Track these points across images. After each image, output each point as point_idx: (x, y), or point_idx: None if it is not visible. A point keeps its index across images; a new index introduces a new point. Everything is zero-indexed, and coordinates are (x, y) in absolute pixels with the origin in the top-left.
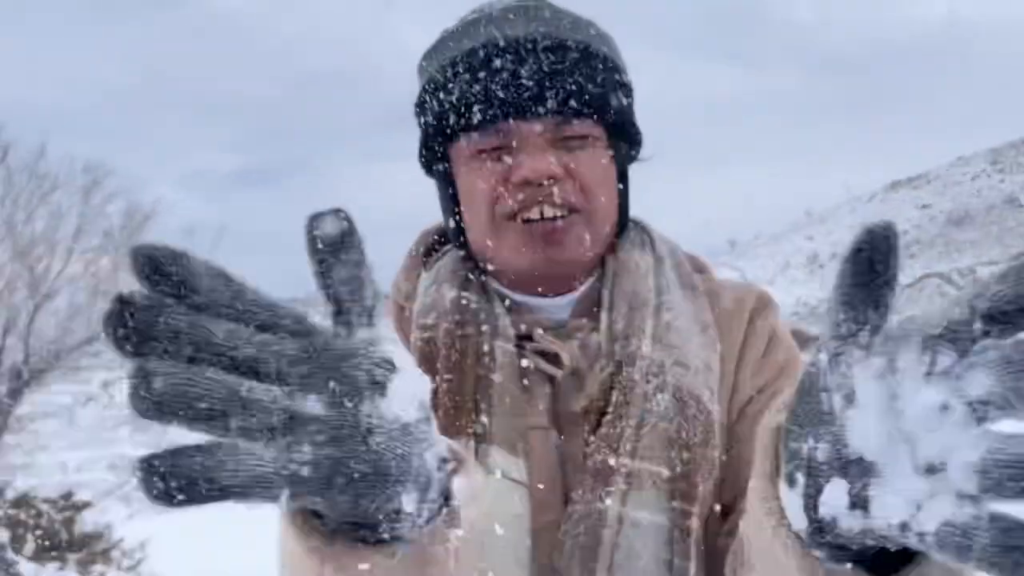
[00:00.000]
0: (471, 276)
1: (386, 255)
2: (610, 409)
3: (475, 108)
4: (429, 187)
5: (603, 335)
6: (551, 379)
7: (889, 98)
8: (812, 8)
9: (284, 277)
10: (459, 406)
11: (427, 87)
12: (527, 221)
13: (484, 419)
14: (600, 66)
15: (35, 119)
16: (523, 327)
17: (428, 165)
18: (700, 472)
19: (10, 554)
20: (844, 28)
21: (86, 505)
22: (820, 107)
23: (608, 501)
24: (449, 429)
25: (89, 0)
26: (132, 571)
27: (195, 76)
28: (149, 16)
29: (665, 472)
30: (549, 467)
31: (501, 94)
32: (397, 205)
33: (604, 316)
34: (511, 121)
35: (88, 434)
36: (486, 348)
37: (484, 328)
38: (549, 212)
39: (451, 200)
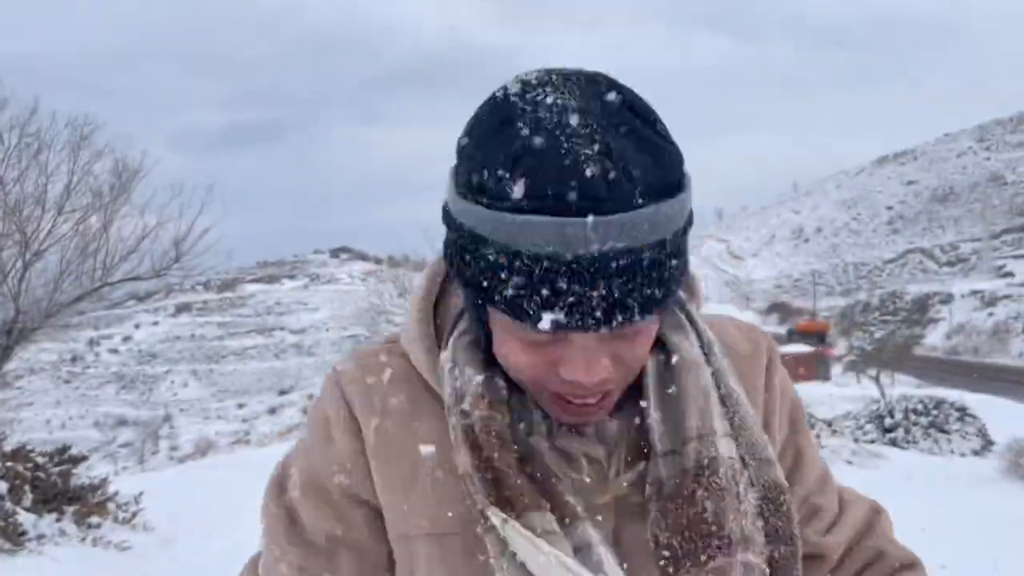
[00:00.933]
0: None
1: (373, 218)
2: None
3: (531, 318)
4: (422, 156)
5: (656, 432)
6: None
7: (880, 73)
8: None
9: (274, 238)
10: (515, 491)
11: (474, 249)
12: (568, 400)
13: (568, 498)
14: (670, 255)
15: (25, 76)
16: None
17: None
18: (797, 556)
19: (9, 505)
20: (840, 1)
21: (83, 459)
22: (811, 81)
23: None
24: (519, 505)
25: None
26: (129, 523)
27: (189, 35)
28: None
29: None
30: (639, 555)
31: (563, 319)
32: (387, 169)
33: (653, 414)
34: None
35: (74, 392)
36: (522, 440)
37: (520, 423)
38: (591, 400)
39: (487, 339)
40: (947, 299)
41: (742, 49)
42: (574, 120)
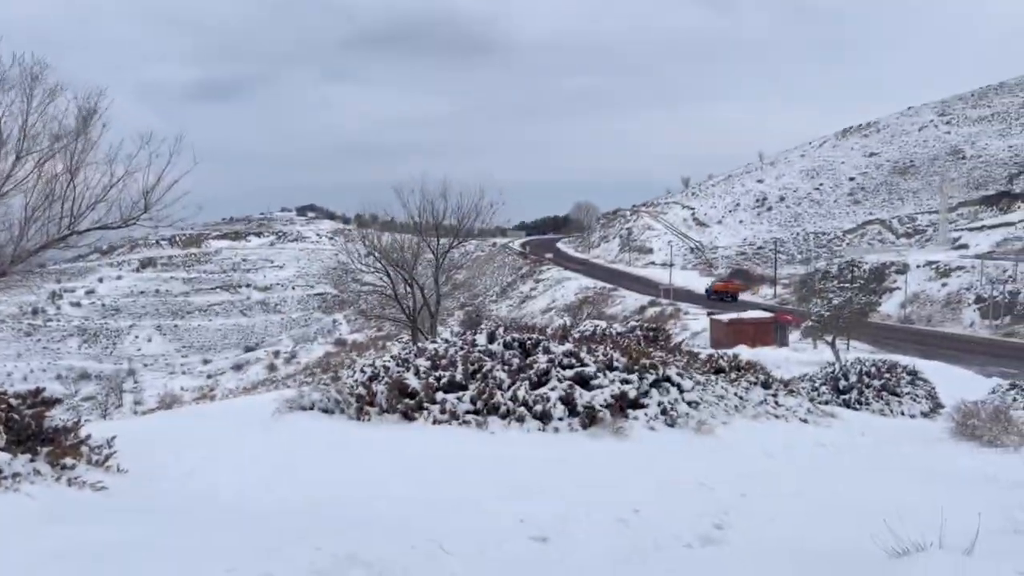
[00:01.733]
0: None
1: (343, 177)
2: None
3: None
4: (391, 111)
5: None
6: None
7: (851, 47)
8: None
9: (242, 195)
10: None
11: None
12: None
13: None
14: None
15: None
16: None
17: None
18: None
19: None
20: None
21: (56, 401)
22: (783, 53)
23: None
24: None
25: None
26: (102, 466)
27: None
28: None
29: None
30: None
31: None
32: (357, 129)
33: None
34: None
35: (35, 345)
36: None
37: None
38: None
39: None
40: (903, 269)
41: (717, 20)
42: None
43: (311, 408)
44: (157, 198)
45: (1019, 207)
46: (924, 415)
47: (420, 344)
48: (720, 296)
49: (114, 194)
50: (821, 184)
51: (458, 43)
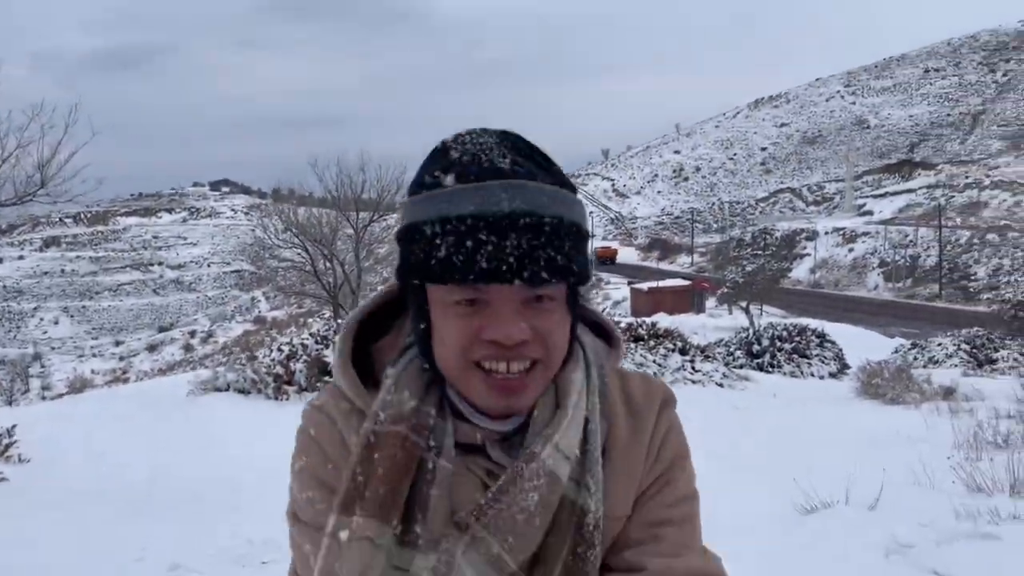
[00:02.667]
0: (431, 386)
1: (257, 150)
2: (492, 491)
3: (460, 271)
4: (305, 81)
5: (526, 442)
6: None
7: (762, 19)
8: None
9: (151, 168)
10: (390, 503)
11: (415, 231)
12: (491, 371)
13: (418, 528)
14: (569, 237)
15: None
16: (477, 436)
17: (403, 285)
18: (544, 562)
19: None
20: None
21: None
22: (698, 25)
23: (457, 550)
24: (376, 516)
25: None
26: (2, 456)
27: None
28: None
29: (495, 548)
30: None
31: (484, 265)
32: (265, 95)
33: (530, 430)
34: (489, 285)
35: None
36: (430, 465)
37: (432, 443)
38: (515, 368)
39: (425, 327)
40: (812, 236)
41: None
42: (491, 144)
43: (227, 389)
44: (54, 172)
45: (919, 175)
46: (832, 376)
47: (341, 320)
48: (601, 261)
49: (6, 170)
50: (735, 154)
51: (376, 10)
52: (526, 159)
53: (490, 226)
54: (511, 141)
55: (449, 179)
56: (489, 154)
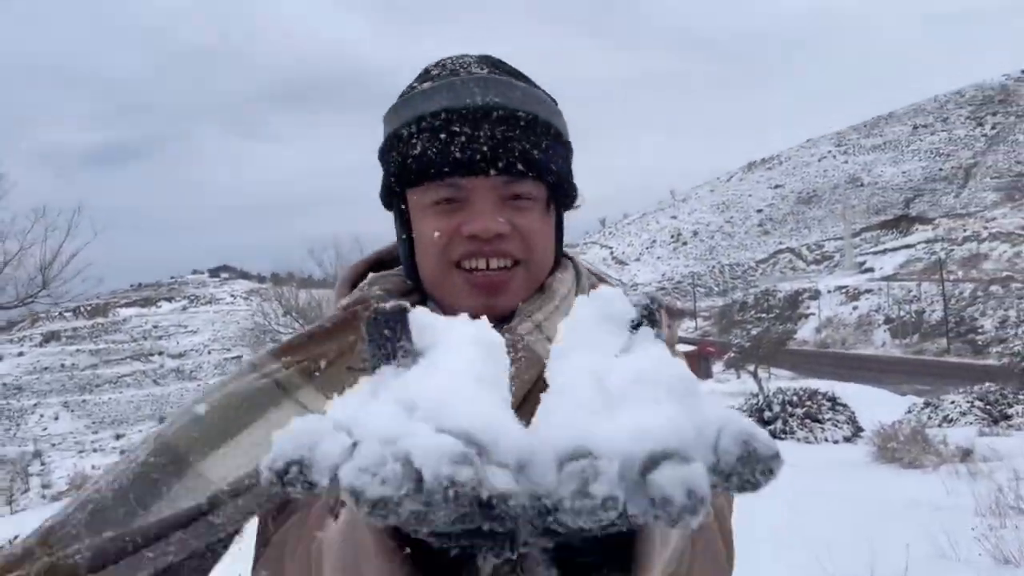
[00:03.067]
0: (411, 294)
1: (254, 236)
2: None
3: (435, 164)
4: (304, 173)
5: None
6: None
7: (750, 83)
8: None
9: (150, 259)
10: (315, 355)
11: (393, 138)
12: (472, 270)
13: (322, 364)
14: (544, 133)
15: None
16: None
17: (387, 204)
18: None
19: None
20: (715, 13)
21: None
22: (687, 90)
23: None
24: (322, 391)
25: None
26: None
27: (56, 51)
28: None
29: None
30: None
31: (458, 155)
32: (267, 187)
33: (515, 314)
34: (466, 178)
35: None
36: None
37: None
38: (494, 264)
39: (407, 239)
40: (815, 295)
41: (628, 60)
42: (469, 60)
43: None
44: (56, 273)
45: (917, 229)
46: (847, 439)
47: None
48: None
49: (8, 272)
50: (731, 217)
51: (365, 94)
52: (505, 72)
53: (463, 118)
54: (491, 58)
55: (425, 84)
56: (466, 65)
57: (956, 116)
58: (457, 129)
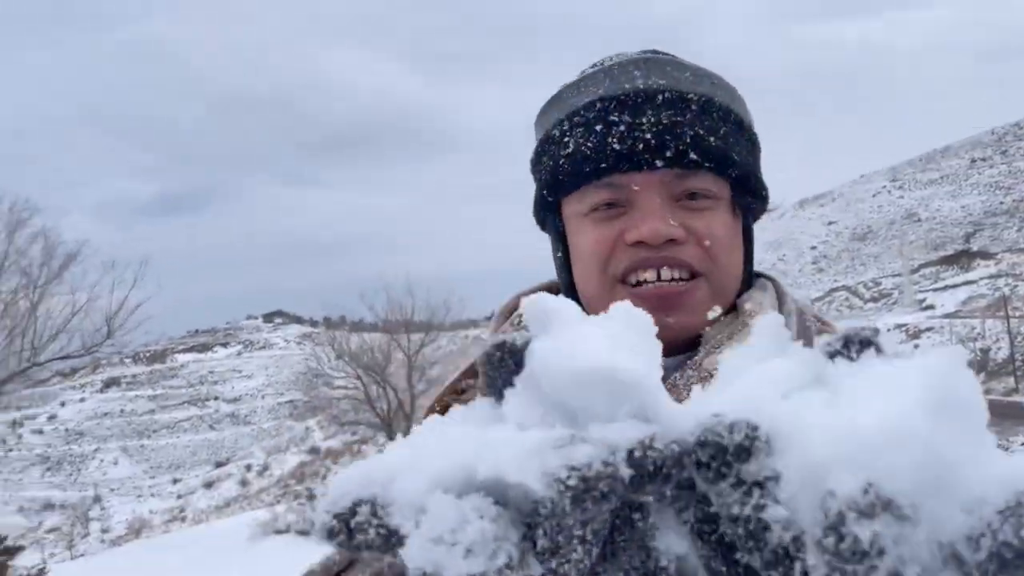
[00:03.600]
0: None
1: (308, 281)
2: None
3: (591, 160)
4: (346, 211)
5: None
6: None
7: (798, 119)
8: (729, 33)
9: (205, 305)
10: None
11: (544, 142)
12: (639, 284)
13: None
14: (722, 119)
15: None
16: None
17: (542, 220)
18: None
19: None
20: (765, 51)
21: (19, 549)
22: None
23: None
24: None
25: (4, 26)
26: None
27: (113, 101)
28: (70, 43)
29: None
30: None
31: (616, 146)
32: (314, 225)
33: (701, 344)
34: (628, 174)
35: None
36: None
37: None
38: (667, 275)
39: (564, 258)
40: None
41: None
42: (628, 54)
43: (286, 531)
44: (120, 324)
45: (978, 264)
46: None
47: None
48: None
49: (76, 322)
50: (784, 255)
51: (414, 139)
52: (669, 56)
53: (622, 105)
54: (655, 49)
55: (578, 78)
56: (623, 56)
57: (1016, 148)
58: (616, 118)
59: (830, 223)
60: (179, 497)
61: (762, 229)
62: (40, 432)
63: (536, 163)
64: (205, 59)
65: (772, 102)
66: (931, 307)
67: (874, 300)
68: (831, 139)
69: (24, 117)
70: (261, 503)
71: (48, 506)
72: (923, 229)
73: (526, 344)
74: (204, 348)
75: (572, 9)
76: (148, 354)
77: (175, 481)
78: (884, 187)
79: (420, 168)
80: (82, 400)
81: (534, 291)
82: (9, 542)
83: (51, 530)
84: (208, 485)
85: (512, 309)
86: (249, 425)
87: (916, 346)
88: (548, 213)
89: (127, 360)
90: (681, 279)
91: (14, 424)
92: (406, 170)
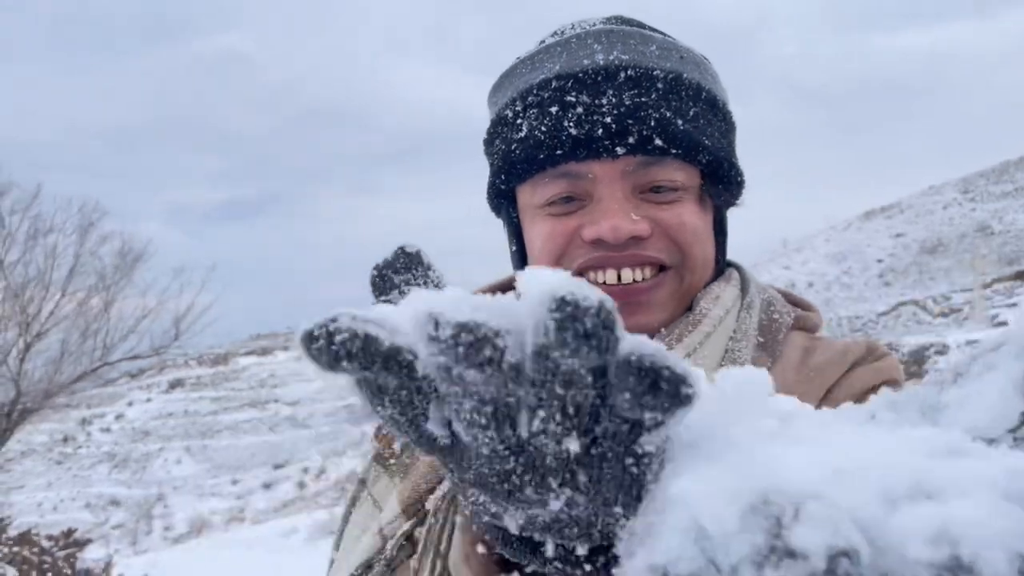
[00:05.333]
0: None
1: (362, 287)
2: None
3: (543, 146)
4: (407, 218)
5: None
6: None
7: (865, 129)
8: (797, 42)
9: (267, 310)
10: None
11: (497, 123)
12: (601, 284)
13: (396, 447)
14: (691, 99)
15: (30, 158)
16: None
17: (496, 207)
18: None
19: None
20: (828, 61)
21: (87, 542)
22: (799, 138)
23: None
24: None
25: (88, 40)
26: None
27: (188, 112)
28: (150, 55)
29: None
30: None
31: (573, 130)
32: (375, 233)
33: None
34: (585, 162)
35: (65, 473)
36: None
37: None
38: (628, 276)
39: (518, 253)
40: (943, 350)
41: (737, 110)
42: (594, 20)
43: None
44: (188, 326)
45: None
46: None
47: None
48: None
49: (146, 324)
50: (849, 267)
51: (477, 146)
52: (634, 27)
53: (579, 83)
54: (623, 16)
55: (534, 50)
56: (585, 25)
57: None
58: (573, 99)
59: (898, 235)
60: (238, 498)
61: (825, 240)
62: (108, 431)
63: (489, 145)
64: (279, 71)
65: (836, 115)
66: (1004, 323)
67: (943, 315)
68: (898, 149)
69: (102, 125)
70: (318, 505)
71: (114, 502)
72: (996, 243)
73: (416, 251)
74: (265, 352)
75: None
76: (212, 356)
77: (235, 482)
78: (955, 199)
79: (481, 175)
80: (148, 400)
81: (495, 286)
82: (77, 535)
83: (116, 526)
84: (267, 486)
85: None
86: (307, 428)
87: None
88: (503, 200)
89: (192, 362)
90: (646, 279)
91: (83, 422)
92: (469, 177)
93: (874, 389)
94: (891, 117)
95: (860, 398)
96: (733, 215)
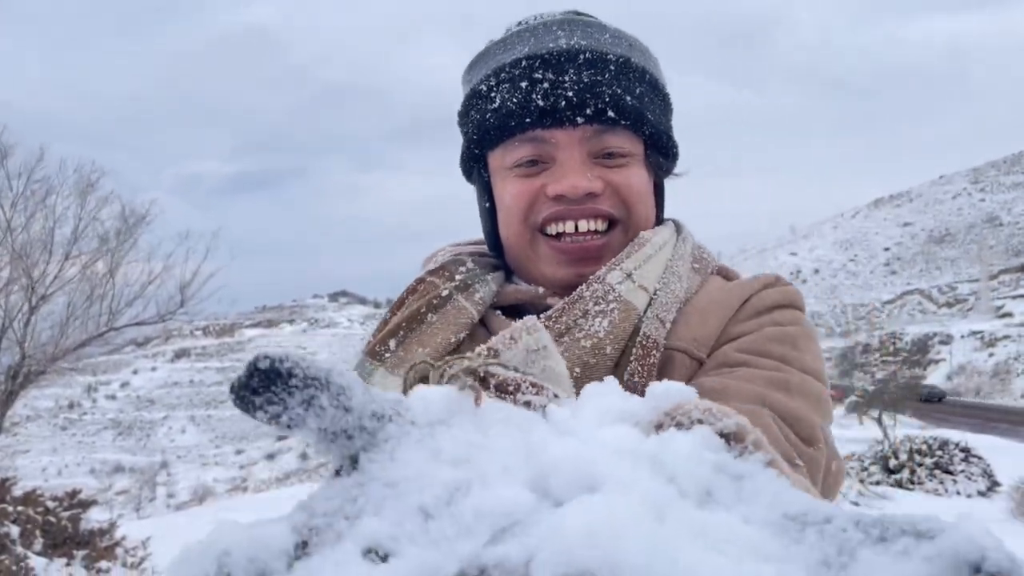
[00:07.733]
0: (495, 271)
1: (370, 263)
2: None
3: (514, 116)
4: (414, 196)
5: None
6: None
7: (878, 118)
8: (816, 31)
9: (274, 283)
10: (386, 334)
11: (471, 97)
12: (559, 236)
13: (392, 343)
14: (638, 80)
15: (40, 126)
16: (539, 290)
17: (468, 172)
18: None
19: (20, 549)
20: (845, 51)
21: (91, 503)
22: (810, 126)
23: None
24: (368, 349)
25: (114, 11)
26: (137, 568)
27: (208, 88)
28: (173, 30)
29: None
30: None
31: (540, 102)
32: (383, 211)
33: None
34: (550, 130)
35: (70, 439)
36: (444, 293)
37: (460, 284)
38: (584, 226)
39: (489, 210)
40: (947, 340)
41: (742, 96)
42: (553, 12)
43: None
44: (193, 293)
45: None
46: (981, 494)
47: None
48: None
49: (151, 290)
50: (856, 255)
51: None
52: (591, 18)
53: (545, 63)
54: (577, 11)
55: (505, 35)
56: (547, 15)
57: None
58: (540, 76)
59: (906, 224)
60: (241, 467)
61: (833, 227)
62: (113, 398)
63: (463, 116)
64: (295, 51)
65: (849, 104)
66: (1009, 315)
67: (948, 305)
68: (909, 138)
69: (122, 100)
70: (319, 476)
71: (118, 469)
72: (1004, 234)
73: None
74: (271, 324)
75: (651, 3)
76: (217, 327)
77: (238, 452)
78: (965, 189)
79: None
80: (153, 369)
81: (465, 245)
82: (82, 496)
83: (120, 492)
84: (270, 457)
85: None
86: None
87: (991, 354)
88: (475, 165)
89: (197, 332)
90: (598, 231)
91: (89, 389)
92: None
93: (779, 307)
94: (907, 105)
95: (765, 312)
96: (740, 200)
